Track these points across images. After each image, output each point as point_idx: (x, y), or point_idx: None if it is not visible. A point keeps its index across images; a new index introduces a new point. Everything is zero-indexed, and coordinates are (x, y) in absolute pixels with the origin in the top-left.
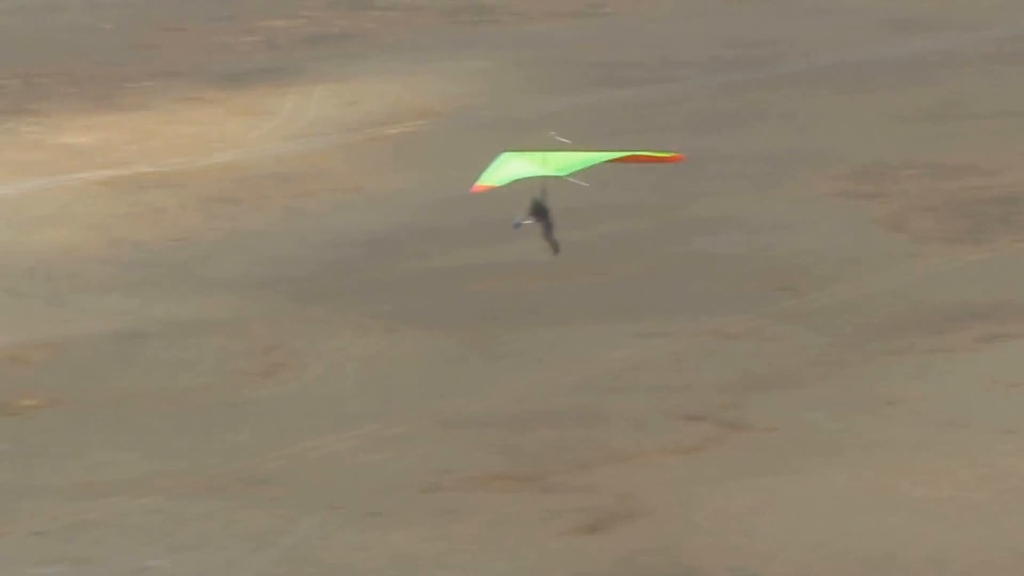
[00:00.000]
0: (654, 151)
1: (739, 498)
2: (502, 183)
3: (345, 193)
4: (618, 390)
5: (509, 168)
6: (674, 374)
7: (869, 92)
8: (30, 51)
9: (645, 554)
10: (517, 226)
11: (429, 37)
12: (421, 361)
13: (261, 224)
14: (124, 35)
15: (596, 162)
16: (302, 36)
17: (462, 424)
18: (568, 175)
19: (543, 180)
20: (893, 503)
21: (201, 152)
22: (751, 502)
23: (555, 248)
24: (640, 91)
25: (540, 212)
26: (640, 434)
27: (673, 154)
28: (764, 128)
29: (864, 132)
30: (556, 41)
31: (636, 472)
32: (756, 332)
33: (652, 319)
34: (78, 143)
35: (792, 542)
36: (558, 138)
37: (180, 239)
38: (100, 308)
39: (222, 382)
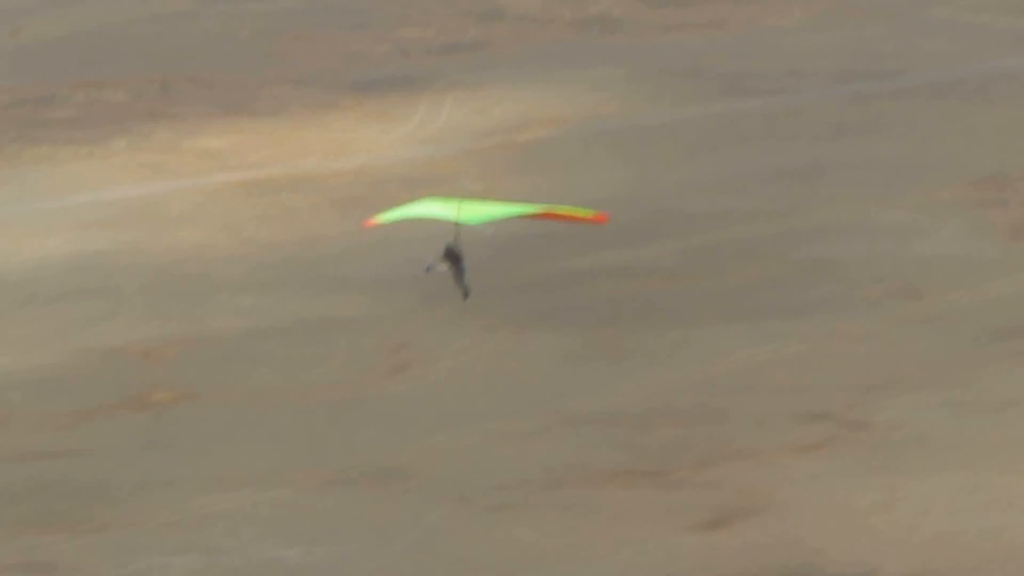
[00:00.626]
0: (573, 209)
1: (859, 495)
2: (391, 221)
3: (475, 196)
4: (741, 390)
5: (415, 209)
6: (796, 375)
7: (991, 104)
8: (168, 57)
9: (766, 549)
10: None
11: (559, 48)
12: (548, 360)
13: (392, 226)
14: (260, 42)
15: (509, 215)
16: (434, 45)
17: (588, 421)
18: (477, 223)
19: (458, 227)
20: (1009, 502)
21: (333, 156)
22: (871, 499)
23: (465, 293)
24: (765, 101)
25: (453, 257)
26: (762, 432)
27: (594, 213)
28: (886, 138)
29: (985, 143)
30: (683, 52)
31: (758, 469)
32: (877, 335)
33: (774, 321)
34: (213, 147)
35: (910, 538)
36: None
37: (312, 240)
38: (233, 306)
39: (352, 379)
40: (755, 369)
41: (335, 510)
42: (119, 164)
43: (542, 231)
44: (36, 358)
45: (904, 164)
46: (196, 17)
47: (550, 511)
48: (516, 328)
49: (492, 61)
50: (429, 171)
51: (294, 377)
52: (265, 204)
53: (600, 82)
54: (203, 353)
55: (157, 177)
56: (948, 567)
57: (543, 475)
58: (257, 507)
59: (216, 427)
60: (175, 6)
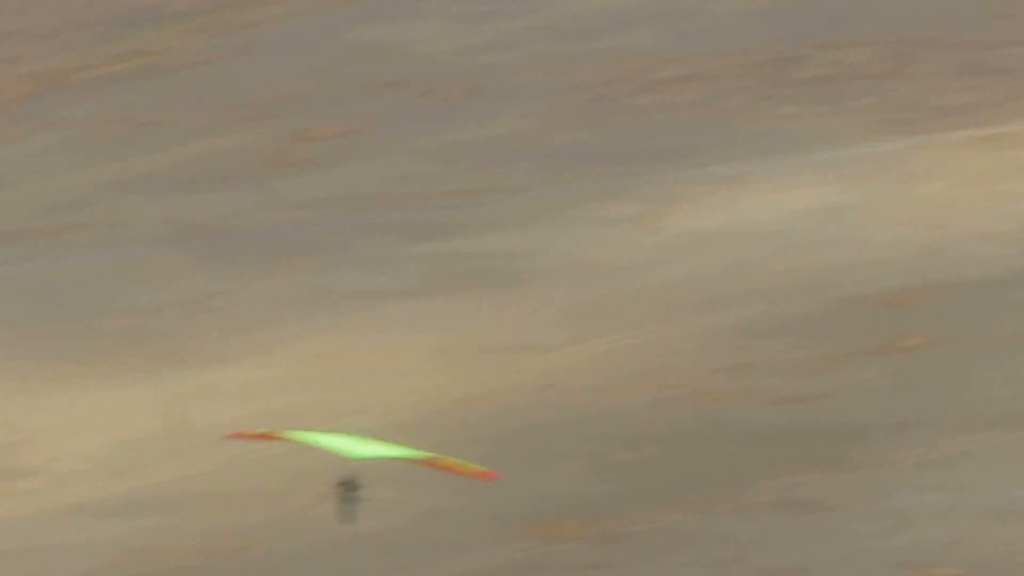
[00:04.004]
0: (461, 463)
1: None
2: (259, 432)
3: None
4: None
5: (314, 437)
6: None
7: None
8: (906, 19)
9: None
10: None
11: None
12: None
13: None
14: (995, 5)
15: (395, 456)
16: None
17: None
18: (357, 457)
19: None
20: None
21: None
22: None
23: (347, 517)
24: None
25: (351, 485)
26: None
27: (482, 469)
28: None
29: None
30: None
31: None
32: None
33: None
34: (953, 103)
35: None
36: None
37: None
38: (976, 255)
39: None
40: None
41: None
42: (863, 121)
43: None
44: (791, 306)
45: None
46: None
47: None
48: None
49: None
50: None
51: None
52: (1005, 158)
53: None
54: (949, 301)
55: (900, 133)
56: None
57: None
58: (998, 449)
59: (962, 371)
60: None
